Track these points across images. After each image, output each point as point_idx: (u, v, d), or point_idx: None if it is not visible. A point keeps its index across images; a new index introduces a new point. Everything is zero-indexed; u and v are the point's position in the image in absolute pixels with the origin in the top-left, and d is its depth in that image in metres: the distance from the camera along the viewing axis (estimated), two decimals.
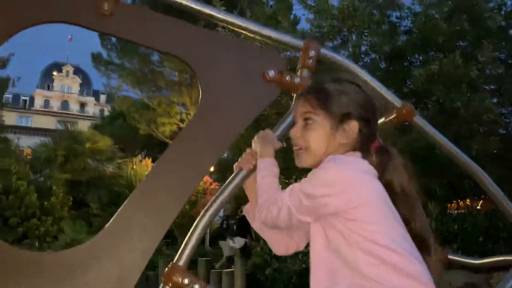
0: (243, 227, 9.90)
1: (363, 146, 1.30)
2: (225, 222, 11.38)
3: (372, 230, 1.15)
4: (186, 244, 1.33)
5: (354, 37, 8.67)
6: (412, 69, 8.00)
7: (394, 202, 1.23)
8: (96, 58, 18.02)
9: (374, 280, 1.12)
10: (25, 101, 49.54)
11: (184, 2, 1.45)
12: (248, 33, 1.48)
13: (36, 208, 13.01)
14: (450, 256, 2.11)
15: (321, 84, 1.35)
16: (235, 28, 1.49)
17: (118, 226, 1.30)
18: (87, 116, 48.09)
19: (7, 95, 33.20)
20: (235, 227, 10.53)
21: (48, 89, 51.31)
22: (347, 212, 1.16)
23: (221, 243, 11.06)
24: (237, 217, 10.60)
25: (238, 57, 1.49)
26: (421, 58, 8.48)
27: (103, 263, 1.26)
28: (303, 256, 7.94)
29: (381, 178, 1.26)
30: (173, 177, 1.37)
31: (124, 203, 1.32)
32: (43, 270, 1.23)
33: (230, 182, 1.40)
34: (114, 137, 20.10)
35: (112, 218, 1.31)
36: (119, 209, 1.31)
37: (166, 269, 1.29)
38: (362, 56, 8.58)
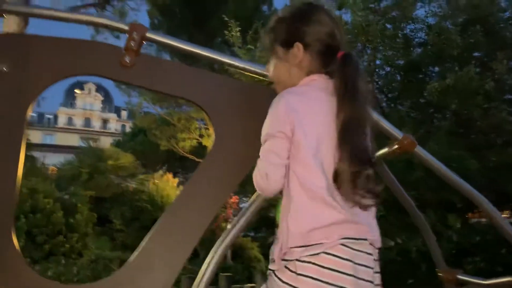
0: None
1: (323, 62, 1.35)
2: None
3: (300, 155, 1.26)
4: (202, 276, 1.46)
5: (369, 51, 8.76)
6: (428, 81, 8.03)
7: (345, 102, 1.27)
8: None
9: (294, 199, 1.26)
10: (49, 119, 50.86)
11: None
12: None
13: (62, 226, 13.30)
14: (458, 276, 2.18)
15: (269, 23, 1.47)
16: None
17: (141, 259, 1.43)
18: (109, 132, 49.02)
19: (32, 114, 34.22)
20: None
21: (71, 107, 52.60)
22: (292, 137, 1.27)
23: None
24: None
25: (249, 99, 1.62)
26: (436, 69, 8.51)
27: None
28: None
29: (341, 82, 1.30)
30: (189, 213, 1.50)
31: (145, 238, 1.46)
32: None
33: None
34: (136, 153, 20.46)
35: (135, 252, 1.44)
36: (140, 244, 1.45)
37: None
38: (377, 70, 8.66)
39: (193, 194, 1.54)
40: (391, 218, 6.92)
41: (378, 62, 8.89)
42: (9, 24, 8.01)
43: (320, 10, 1.41)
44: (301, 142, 1.27)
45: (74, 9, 10.82)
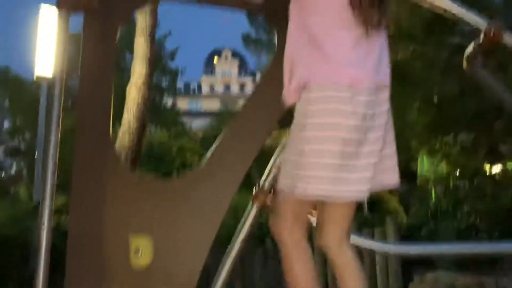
0: None
1: None
2: None
3: None
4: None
5: None
6: None
7: None
8: (246, 38, 19.09)
9: None
10: (194, 88, 55.49)
11: None
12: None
13: None
14: None
15: None
16: None
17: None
18: (245, 95, 51.47)
19: (179, 85, 37.69)
20: None
21: (212, 74, 56.43)
22: None
23: None
24: None
25: None
26: None
27: None
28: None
29: None
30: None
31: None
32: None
33: None
34: None
35: None
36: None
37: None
38: None
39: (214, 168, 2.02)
40: None
41: None
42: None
43: None
44: None
45: None
